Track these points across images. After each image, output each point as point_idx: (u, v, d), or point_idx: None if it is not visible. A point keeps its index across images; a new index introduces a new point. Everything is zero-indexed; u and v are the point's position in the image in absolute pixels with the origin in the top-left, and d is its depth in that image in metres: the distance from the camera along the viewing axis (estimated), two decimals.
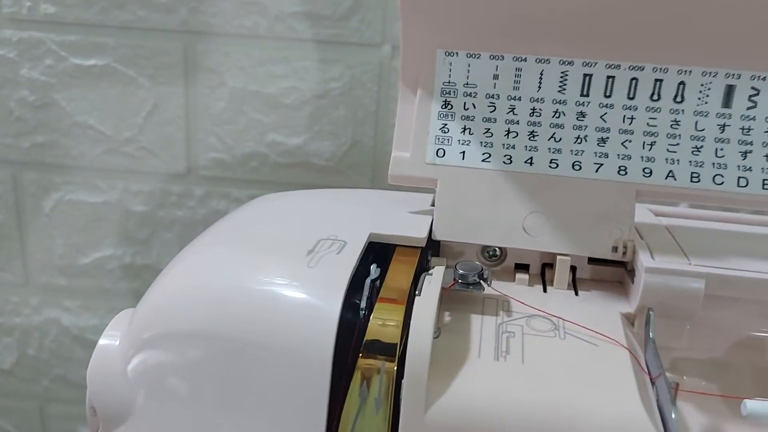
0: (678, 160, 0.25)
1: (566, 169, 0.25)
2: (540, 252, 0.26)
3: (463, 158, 0.26)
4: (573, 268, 0.26)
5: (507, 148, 0.26)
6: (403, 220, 0.26)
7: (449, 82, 0.26)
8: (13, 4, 0.41)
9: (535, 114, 0.26)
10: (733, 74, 0.25)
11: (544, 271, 0.27)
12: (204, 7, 0.40)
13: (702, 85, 0.25)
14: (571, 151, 0.25)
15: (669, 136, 0.25)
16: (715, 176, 0.25)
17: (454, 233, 0.26)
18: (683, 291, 0.23)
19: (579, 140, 0.25)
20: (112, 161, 0.43)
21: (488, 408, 0.20)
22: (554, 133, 0.26)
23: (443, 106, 0.26)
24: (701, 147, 0.25)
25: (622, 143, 0.25)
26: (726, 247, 0.26)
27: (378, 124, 0.41)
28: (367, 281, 0.23)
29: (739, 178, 0.25)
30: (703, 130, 0.25)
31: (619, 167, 0.25)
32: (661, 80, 0.25)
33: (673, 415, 0.20)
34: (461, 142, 0.26)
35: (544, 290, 0.26)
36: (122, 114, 0.42)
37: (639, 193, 0.25)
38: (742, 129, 0.25)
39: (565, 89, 0.25)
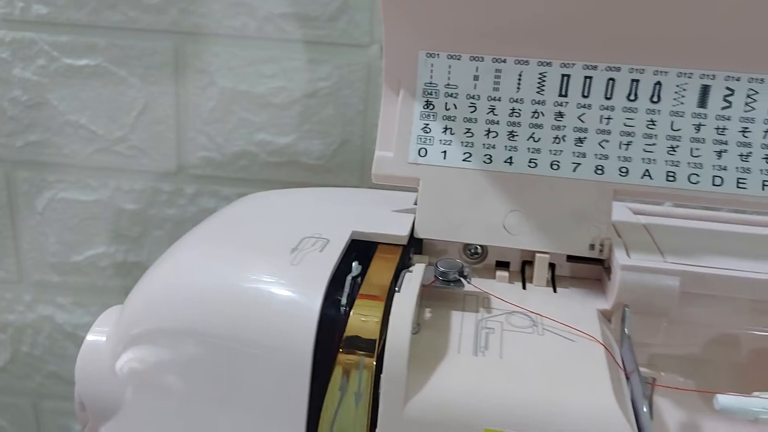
0: (654, 160, 0.25)
1: (545, 169, 0.26)
2: (520, 250, 0.27)
3: (444, 158, 0.27)
4: (552, 266, 0.27)
5: (487, 148, 0.26)
6: (385, 219, 0.27)
7: (431, 83, 0.27)
8: (5, 4, 0.41)
9: (514, 114, 0.26)
10: (709, 75, 0.25)
11: (524, 269, 0.27)
12: (194, 8, 0.40)
13: (678, 85, 0.25)
14: (550, 150, 0.26)
15: (645, 135, 0.26)
16: (690, 175, 0.25)
17: (435, 231, 0.27)
18: (658, 288, 0.24)
19: (557, 140, 0.26)
20: (104, 160, 0.43)
21: (466, 402, 0.21)
22: (533, 133, 0.26)
23: (425, 107, 0.27)
24: (677, 147, 0.26)
25: (599, 143, 0.26)
26: (703, 246, 0.27)
27: (366, 123, 0.41)
28: (348, 278, 0.23)
29: (714, 177, 0.25)
30: (678, 130, 0.25)
31: (597, 167, 0.26)
32: (637, 81, 0.25)
33: (645, 409, 0.21)
34: (443, 141, 0.27)
35: (524, 287, 0.26)
36: (113, 113, 0.42)
37: (616, 192, 0.26)
38: (717, 129, 0.25)
39: (543, 90, 0.26)
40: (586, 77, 0.26)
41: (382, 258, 0.25)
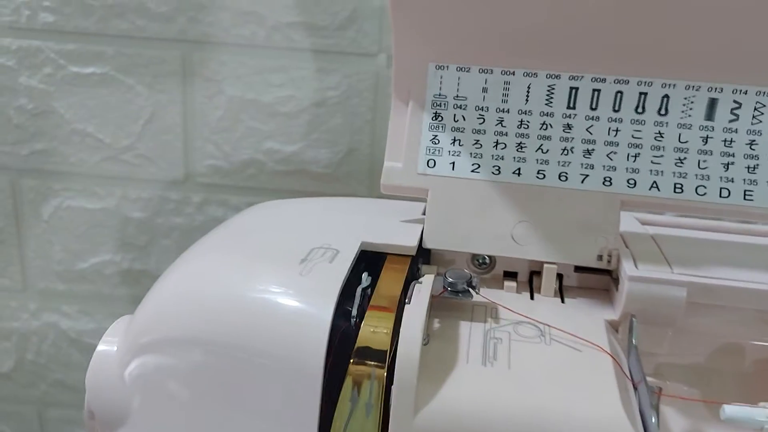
0: (662, 172, 0.26)
1: (553, 180, 0.26)
2: (528, 260, 0.27)
3: (453, 169, 0.27)
4: (560, 276, 0.27)
5: (496, 159, 0.27)
6: (394, 229, 0.27)
7: (440, 95, 0.27)
8: (12, 12, 0.41)
9: (523, 126, 0.26)
10: (716, 88, 0.25)
11: (531, 279, 0.28)
12: (202, 16, 0.40)
13: (685, 98, 0.25)
14: (558, 162, 0.26)
15: (653, 147, 0.26)
16: (697, 187, 0.26)
17: (444, 242, 0.27)
18: (665, 299, 0.24)
19: (566, 152, 0.26)
20: (111, 168, 0.44)
21: (475, 412, 0.21)
22: (541, 145, 0.26)
23: (434, 118, 0.27)
24: (684, 159, 0.26)
25: (607, 155, 0.26)
26: (709, 256, 0.27)
27: (374, 132, 0.41)
28: (359, 289, 0.23)
29: (721, 189, 0.26)
30: (686, 142, 0.26)
31: (605, 178, 0.26)
32: (645, 93, 0.26)
33: (653, 420, 0.21)
34: (451, 153, 0.27)
35: (532, 297, 0.27)
36: (120, 122, 0.43)
37: (624, 203, 0.26)
38: (725, 141, 0.26)
39: (552, 102, 0.26)
40: (594, 90, 0.26)
41: (392, 269, 0.25)
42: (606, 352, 0.23)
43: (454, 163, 0.27)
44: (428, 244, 0.27)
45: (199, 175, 0.43)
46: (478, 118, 0.27)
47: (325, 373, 0.21)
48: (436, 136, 0.27)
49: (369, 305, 0.23)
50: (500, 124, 0.26)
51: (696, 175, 0.26)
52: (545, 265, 0.26)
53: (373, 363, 0.21)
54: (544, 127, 0.26)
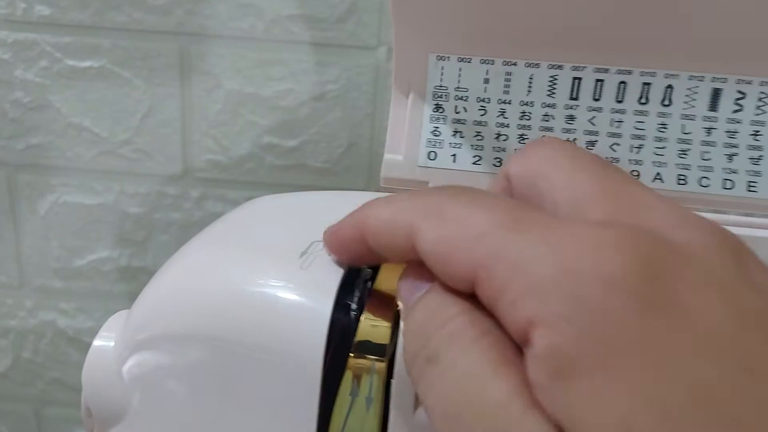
0: (665, 163, 0.25)
1: None
2: None
3: (454, 161, 0.26)
4: None
5: (497, 151, 0.26)
6: None
7: (441, 86, 0.26)
8: (7, 5, 0.41)
9: (524, 117, 0.26)
10: (720, 78, 0.25)
11: None
12: (199, 9, 0.40)
13: (689, 89, 0.25)
14: None
15: (656, 139, 0.25)
16: (701, 179, 0.25)
17: None
18: None
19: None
20: (108, 163, 0.43)
21: None
22: (543, 137, 0.26)
23: (435, 110, 0.27)
24: (688, 150, 0.25)
25: (610, 146, 0.26)
26: None
27: (374, 125, 0.41)
28: (359, 282, 0.23)
29: (725, 180, 0.25)
30: (689, 133, 0.25)
31: None
32: (649, 84, 0.25)
33: None
34: (452, 145, 0.26)
35: None
36: (118, 116, 0.42)
37: None
38: (728, 132, 0.25)
39: (554, 93, 0.26)
40: (597, 80, 0.25)
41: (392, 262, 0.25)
42: None
43: (455, 155, 0.26)
44: None
45: (198, 169, 0.43)
46: (479, 110, 0.26)
47: (324, 367, 0.21)
48: (437, 128, 0.27)
49: (369, 298, 0.22)
50: (502, 116, 0.26)
51: (699, 166, 0.25)
52: None
53: (373, 357, 0.21)
54: (547, 118, 0.26)
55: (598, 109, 0.26)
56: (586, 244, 0.13)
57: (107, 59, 0.41)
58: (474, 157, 0.26)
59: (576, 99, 0.26)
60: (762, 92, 0.25)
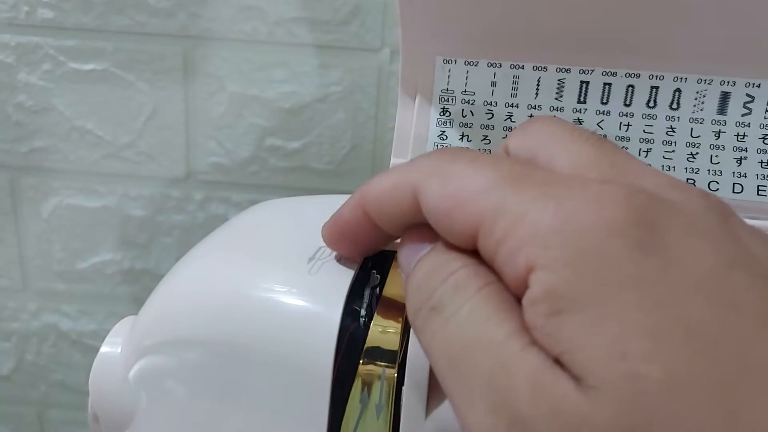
0: (674, 167, 0.25)
1: None
2: None
3: None
4: None
5: None
6: None
7: (447, 90, 0.26)
8: (10, 8, 0.41)
9: None
10: (728, 81, 0.25)
11: None
12: (203, 12, 0.40)
13: (697, 92, 0.25)
14: None
15: (665, 142, 0.25)
16: (710, 183, 0.25)
17: None
18: None
19: None
20: (111, 166, 0.43)
21: None
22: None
23: (442, 114, 0.26)
24: (696, 153, 0.25)
25: None
26: None
27: (377, 127, 0.41)
28: (367, 288, 0.23)
29: (734, 184, 0.25)
30: (698, 136, 0.25)
31: None
32: (657, 87, 0.25)
33: None
34: None
35: None
36: (121, 119, 0.42)
37: None
38: (737, 136, 0.25)
39: (562, 96, 0.26)
40: (605, 84, 0.25)
41: None
42: None
43: None
44: None
45: (201, 172, 0.43)
46: (486, 113, 0.26)
47: (334, 375, 0.21)
48: (443, 131, 0.26)
49: (378, 304, 0.22)
50: (509, 119, 0.26)
51: (708, 170, 0.25)
52: None
53: (383, 363, 0.21)
54: None
55: (606, 113, 0.26)
56: (586, 197, 0.14)
57: (110, 62, 0.41)
58: None
59: (584, 102, 0.26)
60: None
